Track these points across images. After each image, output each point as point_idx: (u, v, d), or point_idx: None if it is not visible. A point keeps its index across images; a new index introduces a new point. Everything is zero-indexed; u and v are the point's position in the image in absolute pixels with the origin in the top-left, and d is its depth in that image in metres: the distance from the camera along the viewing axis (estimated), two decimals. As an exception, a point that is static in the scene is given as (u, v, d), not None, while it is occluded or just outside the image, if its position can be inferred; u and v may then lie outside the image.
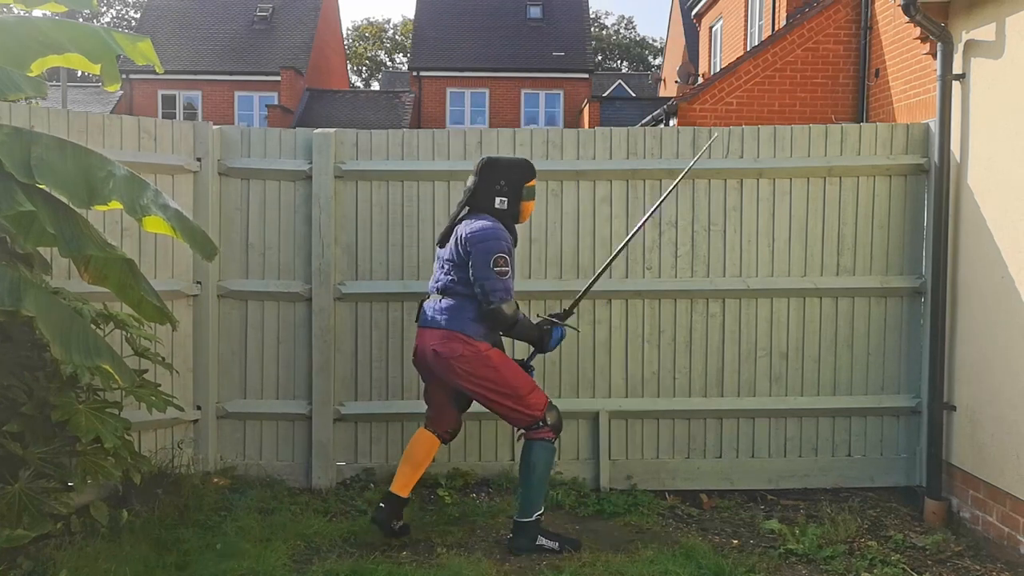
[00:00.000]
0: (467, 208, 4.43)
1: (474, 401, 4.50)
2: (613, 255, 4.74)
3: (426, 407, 4.62)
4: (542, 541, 4.38)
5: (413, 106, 28.10)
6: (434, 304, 4.40)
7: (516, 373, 4.38)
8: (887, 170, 5.28)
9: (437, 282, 4.44)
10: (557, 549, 4.37)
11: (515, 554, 4.35)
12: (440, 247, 4.50)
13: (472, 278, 4.26)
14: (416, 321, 4.52)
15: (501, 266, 4.22)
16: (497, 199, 4.38)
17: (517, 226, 4.54)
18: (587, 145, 5.31)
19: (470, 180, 4.47)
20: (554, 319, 4.55)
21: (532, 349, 4.61)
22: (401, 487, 4.45)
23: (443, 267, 4.41)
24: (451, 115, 28.85)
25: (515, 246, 4.46)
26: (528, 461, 4.35)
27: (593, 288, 5.25)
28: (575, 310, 4.69)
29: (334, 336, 5.31)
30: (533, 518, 4.37)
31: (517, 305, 4.41)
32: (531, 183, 4.47)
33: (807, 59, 12.08)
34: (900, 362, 5.33)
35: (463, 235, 4.30)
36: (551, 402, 4.44)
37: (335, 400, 5.34)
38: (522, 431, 4.41)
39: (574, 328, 5.04)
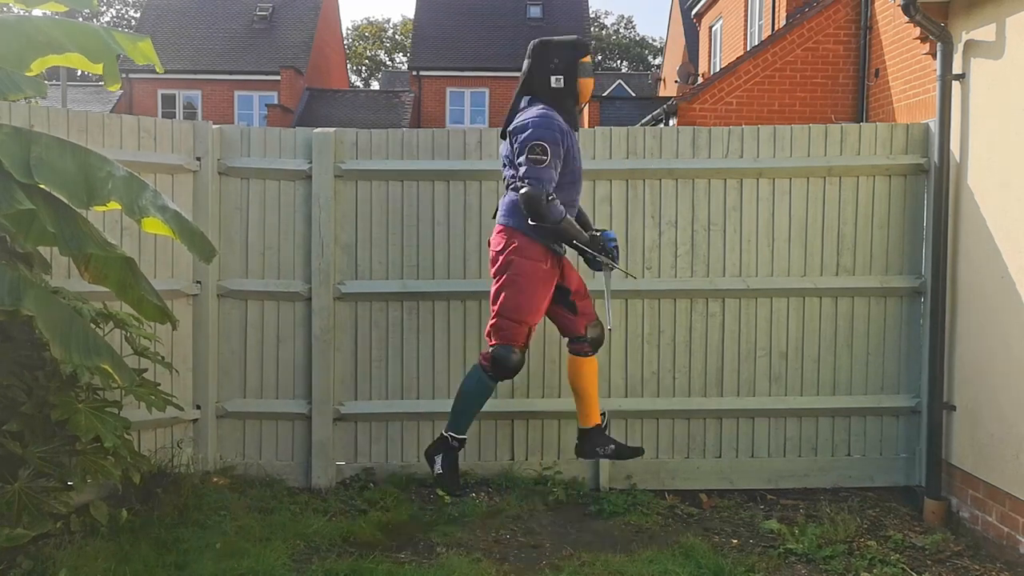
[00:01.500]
0: (524, 96, 4.45)
1: (591, 354, 4.73)
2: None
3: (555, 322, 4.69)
4: (437, 461, 4.71)
5: (413, 106, 28.12)
6: (503, 200, 4.52)
7: (524, 300, 4.40)
8: (887, 170, 5.28)
9: (504, 179, 4.57)
10: (441, 472, 4.71)
11: (581, 457, 4.74)
12: (503, 139, 4.59)
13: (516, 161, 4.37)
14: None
15: (537, 154, 4.22)
16: (552, 79, 4.39)
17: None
18: (587, 145, 5.30)
19: (524, 64, 4.48)
20: (606, 249, 4.62)
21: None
22: (587, 418, 4.62)
23: (505, 163, 4.52)
24: (451, 114, 28.87)
25: (576, 130, 4.48)
26: (463, 381, 4.67)
27: (592, 288, 5.27)
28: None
29: (334, 336, 5.31)
30: (447, 435, 4.68)
31: (552, 198, 4.30)
32: (586, 59, 4.47)
33: (807, 59, 12.09)
34: (900, 362, 5.33)
35: (512, 128, 4.38)
36: (515, 348, 4.46)
37: (335, 400, 5.34)
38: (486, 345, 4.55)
39: (624, 271, 4.96)
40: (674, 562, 4.20)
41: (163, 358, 4.71)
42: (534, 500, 5.05)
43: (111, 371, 3.61)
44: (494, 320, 4.49)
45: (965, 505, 4.84)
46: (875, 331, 5.33)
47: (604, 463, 5.31)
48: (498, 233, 4.49)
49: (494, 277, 4.52)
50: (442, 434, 4.75)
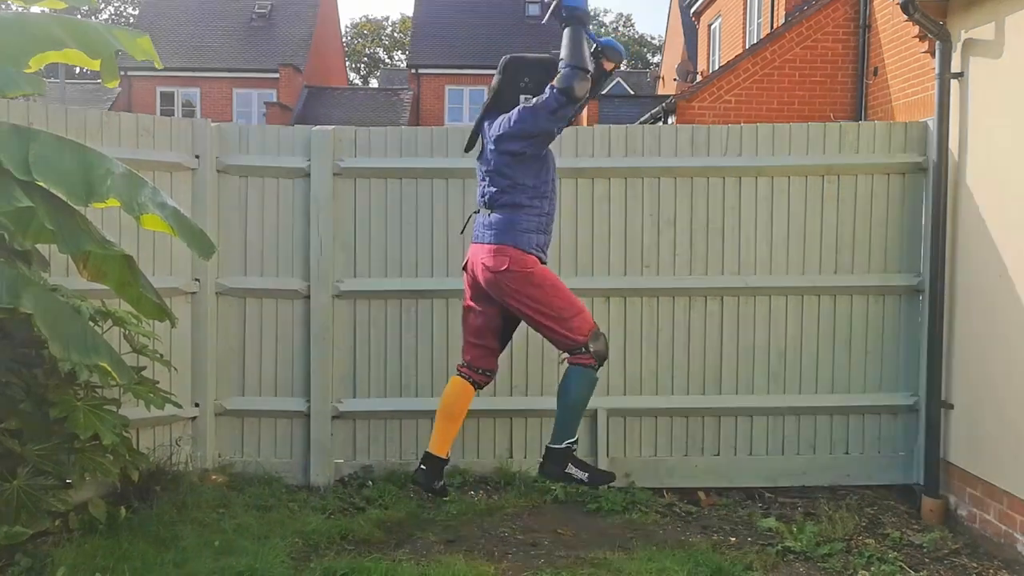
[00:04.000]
0: (491, 108, 4.37)
1: (482, 389, 4.49)
2: None
3: (465, 342, 4.47)
4: (571, 470, 4.28)
5: (412, 103, 28.12)
6: (482, 219, 4.33)
7: (562, 295, 4.25)
8: (885, 168, 5.28)
9: (483, 196, 4.35)
10: (585, 481, 4.30)
11: (543, 479, 4.36)
12: (477, 159, 4.44)
13: (532, 132, 4.15)
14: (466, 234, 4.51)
15: (535, 98, 4.12)
16: (522, 97, 4.31)
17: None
18: (586, 143, 5.31)
19: (494, 79, 4.41)
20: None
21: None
22: (440, 446, 4.37)
23: (484, 178, 4.35)
24: (450, 112, 28.86)
25: None
26: (565, 387, 4.26)
27: (590, 286, 5.29)
28: None
29: (332, 333, 5.31)
30: (563, 445, 4.27)
31: (566, 76, 4.10)
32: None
33: (806, 57, 12.09)
34: (898, 360, 5.34)
35: (491, 135, 4.26)
36: (598, 329, 4.29)
37: (333, 397, 5.34)
38: (565, 355, 4.30)
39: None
40: (672, 560, 4.20)
41: (162, 356, 4.71)
42: (532, 498, 5.06)
43: (110, 369, 3.60)
44: (557, 329, 4.21)
45: (963, 503, 4.85)
46: (873, 329, 5.33)
47: (603, 461, 5.31)
48: (495, 253, 4.20)
49: (514, 303, 4.22)
50: (554, 448, 4.29)
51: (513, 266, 4.17)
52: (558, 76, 4.12)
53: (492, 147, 4.29)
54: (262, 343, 5.36)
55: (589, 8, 4.35)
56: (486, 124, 4.39)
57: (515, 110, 4.23)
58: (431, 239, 5.33)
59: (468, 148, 4.53)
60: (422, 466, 4.40)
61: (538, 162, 4.28)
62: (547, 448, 4.35)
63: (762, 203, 5.31)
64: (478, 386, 4.44)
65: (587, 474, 4.32)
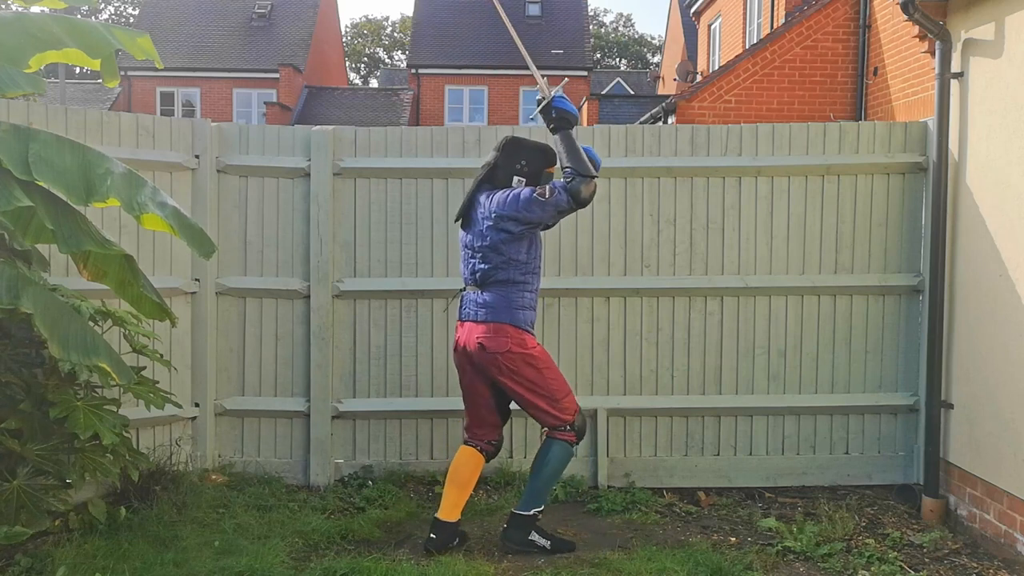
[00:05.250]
0: (485, 184, 4.37)
1: (492, 459, 4.49)
2: None
3: (466, 416, 4.51)
4: (534, 537, 4.35)
5: (412, 103, 28.09)
6: (475, 298, 4.32)
7: (556, 376, 4.35)
8: (885, 168, 5.28)
9: (474, 273, 4.34)
10: (548, 548, 4.34)
11: (506, 545, 4.34)
12: (463, 229, 4.44)
13: (536, 222, 4.20)
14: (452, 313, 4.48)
15: (544, 193, 4.13)
16: (515, 179, 4.32)
17: None
18: (585, 142, 5.30)
19: (491, 155, 4.41)
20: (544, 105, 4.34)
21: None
22: (449, 511, 4.35)
23: (476, 255, 4.33)
24: (450, 112, 28.83)
25: None
26: (545, 457, 4.32)
27: (590, 286, 5.29)
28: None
29: (332, 333, 5.31)
30: (531, 513, 4.35)
31: (571, 180, 4.16)
32: (551, 169, 4.41)
33: (806, 57, 12.08)
34: (898, 360, 5.34)
35: (490, 211, 4.23)
36: (580, 409, 4.41)
37: (333, 397, 5.34)
38: (546, 429, 4.37)
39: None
40: (672, 560, 4.20)
41: (162, 356, 4.71)
42: (532, 498, 5.05)
43: (109, 369, 3.60)
44: (548, 409, 4.28)
45: (963, 503, 4.85)
46: (873, 329, 5.33)
47: (603, 461, 5.32)
48: (494, 333, 4.21)
49: (509, 382, 4.25)
50: (521, 514, 4.34)
51: (514, 347, 4.22)
52: (568, 182, 4.15)
53: (490, 223, 4.25)
54: (262, 343, 5.36)
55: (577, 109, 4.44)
56: (481, 197, 4.33)
57: (521, 193, 4.19)
58: (431, 239, 5.33)
59: (458, 219, 4.46)
60: (432, 535, 4.34)
61: (530, 238, 4.31)
62: (512, 514, 4.38)
63: (762, 203, 5.31)
64: (488, 456, 4.45)
65: (549, 542, 4.36)
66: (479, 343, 4.24)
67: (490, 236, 4.25)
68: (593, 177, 4.19)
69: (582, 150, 4.23)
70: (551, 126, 4.33)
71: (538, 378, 4.27)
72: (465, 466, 4.38)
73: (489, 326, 4.24)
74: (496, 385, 4.36)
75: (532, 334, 4.34)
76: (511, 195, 4.22)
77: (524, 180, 4.33)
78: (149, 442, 5.07)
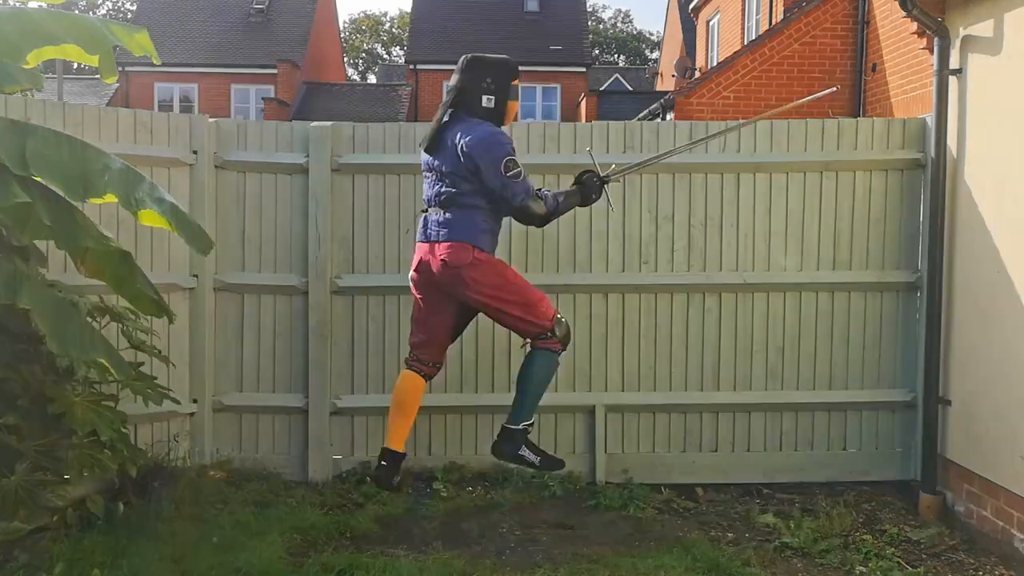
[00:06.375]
0: (451, 109, 4.33)
1: (469, 317, 4.52)
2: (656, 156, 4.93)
3: (413, 336, 4.47)
4: (524, 452, 4.35)
5: (410, 99, 28.07)
6: (437, 217, 4.28)
7: (524, 282, 4.35)
8: (884, 165, 5.28)
9: (439, 195, 4.27)
10: (536, 464, 4.37)
11: (497, 457, 4.39)
12: (428, 153, 4.37)
13: (488, 188, 4.20)
14: (414, 237, 4.45)
15: (512, 169, 4.15)
16: (484, 97, 4.28)
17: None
18: (584, 139, 5.30)
19: (454, 79, 4.36)
20: (595, 180, 4.54)
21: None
22: (398, 441, 4.37)
23: (443, 179, 4.28)
24: (448, 108, 28.76)
25: None
26: (528, 369, 4.31)
27: (589, 283, 5.28)
28: (618, 180, 4.71)
29: (330, 329, 5.31)
30: (520, 427, 4.34)
31: (541, 195, 4.33)
32: (516, 81, 4.38)
33: (804, 53, 12.09)
34: (896, 356, 5.34)
35: (464, 145, 4.18)
36: (559, 314, 4.36)
37: (331, 393, 5.34)
38: (528, 340, 4.34)
39: (609, 205, 4.78)
40: (670, 556, 4.21)
41: (160, 352, 4.71)
42: (530, 494, 5.06)
43: (107, 365, 3.61)
44: (523, 316, 4.26)
45: (960, 499, 4.86)
46: (871, 326, 5.33)
47: (601, 457, 5.32)
48: (456, 250, 4.19)
49: (476, 295, 4.24)
50: (511, 428, 4.35)
51: (476, 258, 4.20)
52: (535, 196, 4.29)
53: (463, 158, 4.19)
54: (260, 339, 5.36)
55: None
56: (459, 128, 4.27)
57: (500, 157, 4.15)
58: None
59: (428, 145, 4.40)
60: (381, 462, 4.38)
61: None
62: (503, 427, 4.39)
63: (760, 199, 5.31)
64: (428, 378, 4.47)
65: (539, 458, 4.38)
66: (442, 260, 4.21)
67: (462, 166, 4.21)
68: (541, 217, 4.33)
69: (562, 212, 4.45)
70: (585, 190, 4.51)
71: (506, 284, 4.25)
72: (410, 393, 4.40)
73: (452, 244, 4.21)
74: (459, 304, 4.36)
75: (491, 251, 4.32)
76: (489, 157, 4.15)
77: (493, 98, 4.29)
78: (147, 438, 5.07)
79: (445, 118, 4.34)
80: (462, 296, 4.28)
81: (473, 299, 4.27)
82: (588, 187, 4.54)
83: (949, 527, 4.77)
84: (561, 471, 4.81)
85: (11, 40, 3.92)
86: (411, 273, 4.44)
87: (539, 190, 4.38)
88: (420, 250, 4.36)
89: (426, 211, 4.39)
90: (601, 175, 4.57)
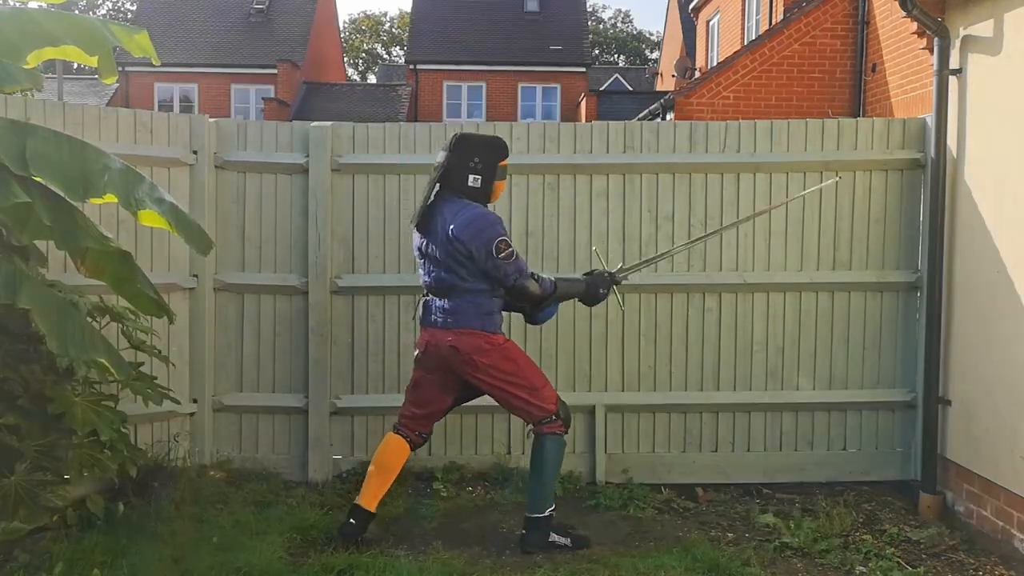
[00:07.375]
0: (438, 186, 4.29)
1: (470, 397, 4.49)
2: (695, 240, 5.02)
3: (407, 408, 4.45)
4: (554, 538, 4.31)
5: (410, 99, 28.06)
6: (441, 305, 4.25)
7: (532, 366, 4.36)
8: (884, 165, 5.28)
9: (439, 283, 4.23)
10: (569, 546, 4.30)
11: (527, 551, 4.28)
12: (419, 231, 4.32)
13: (481, 271, 4.17)
14: (417, 319, 4.42)
15: (504, 250, 4.13)
16: (470, 177, 4.23)
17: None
18: (584, 139, 5.31)
19: (441, 156, 4.31)
20: (604, 275, 4.56)
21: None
22: (370, 500, 4.33)
23: (439, 267, 4.22)
24: (448, 109, 28.78)
25: None
26: (540, 456, 4.30)
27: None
28: (627, 277, 4.73)
29: (330, 329, 5.31)
30: (546, 513, 4.31)
31: (537, 277, 4.34)
32: (504, 162, 4.35)
33: (804, 54, 12.08)
34: (896, 356, 5.34)
35: (453, 231, 4.12)
36: (559, 397, 4.40)
37: (331, 393, 5.34)
38: (531, 426, 4.36)
39: (619, 302, 4.80)
40: (670, 556, 4.21)
41: (160, 352, 4.71)
42: (531, 494, 5.05)
43: (107, 365, 3.60)
44: (530, 400, 4.26)
45: (960, 499, 4.86)
46: (871, 326, 5.34)
47: (601, 457, 5.32)
48: (464, 336, 4.17)
49: (487, 379, 4.24)
50: (535, 518, 4.30)
51: (486, 344, 4.20)
52: (529, 278, 4.27)
53: (453, 244, 4.14)
54: (260, 339, 5.36)
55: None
56: (445, 209, 4.20)
57: (491, 239, 4.11)
58: (429, 235, 5.32)
59: (417, 223, 4.34)
60: (351, 519, 4.32)
61: None
62: (526, 519, 4.35)
63: (760, 199, 5.31)
64: (415, 446, 4.46)
65: (569, 539, 4.34)
66: (451, 346, 4.19)
67: (455, 251, 4.16)
68: (537, 297, 4.32)
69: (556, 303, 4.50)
70: (592, 280, 4.54)
71: (516, 370, 4.26)
72: (393, 455, 4.39)
73: (462, 331, 4.19)
74: (463, 384, 4.35)
75: (502, 334, 4.32)
76: (480, 240, 4.11)
77: (480, 178, 4.25)
78: (147, 438, 5.07)
79: (431, 197, 4.29)
80: (472, 379, 4.28)
81: (484, 382, 4.27)
82: (597, 280, 4.54)
83: (949, 527, 4.76)
84: (560, 472, 4.77)
85: (11, 40, 3.92)
86: (416, 352, 4.41)
87: (537, 275, 4.35)
88: (426, 334, 4.32)
89: (426, 295, 4.36)
90: (611, 272, 4.59)
